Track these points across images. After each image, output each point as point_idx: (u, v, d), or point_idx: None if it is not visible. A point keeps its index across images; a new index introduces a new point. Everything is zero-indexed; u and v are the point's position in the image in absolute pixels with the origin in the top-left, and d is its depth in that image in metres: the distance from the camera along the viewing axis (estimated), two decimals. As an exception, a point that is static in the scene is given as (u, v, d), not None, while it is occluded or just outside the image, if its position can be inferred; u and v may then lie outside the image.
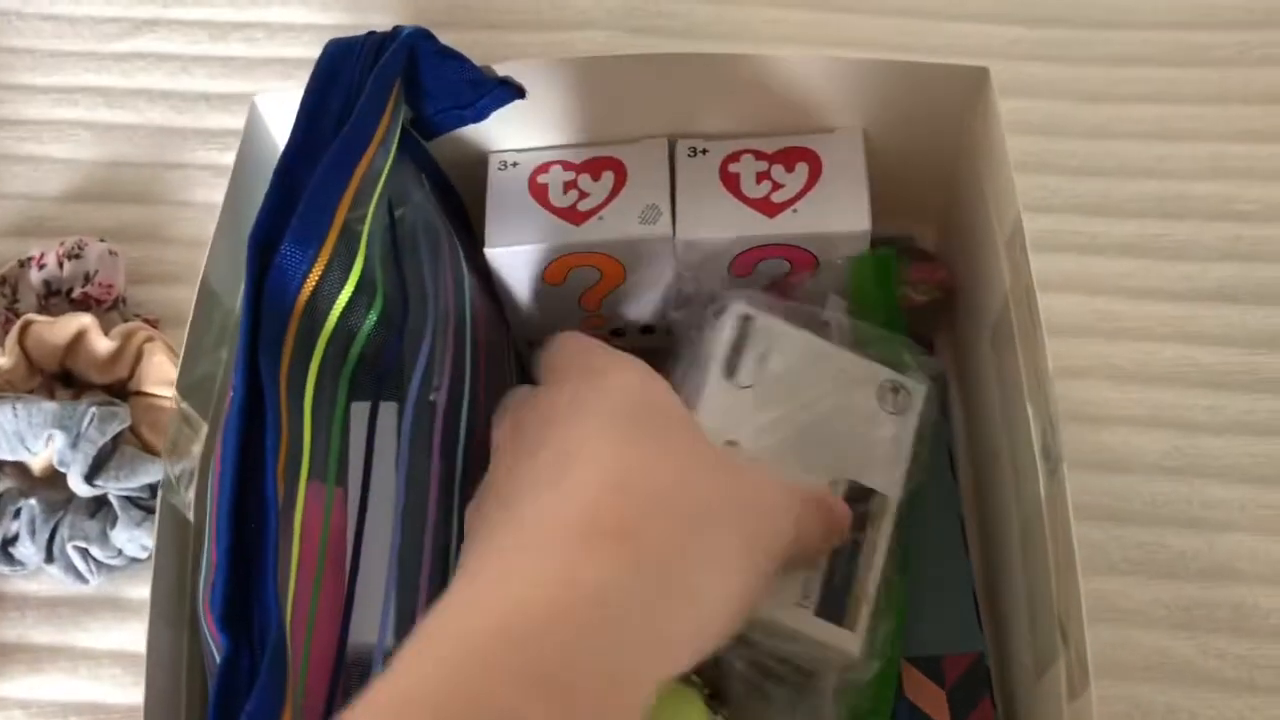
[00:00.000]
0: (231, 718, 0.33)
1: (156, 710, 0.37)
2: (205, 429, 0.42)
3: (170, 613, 0.39)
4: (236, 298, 0.44)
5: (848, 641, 0.39)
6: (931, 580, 0.45)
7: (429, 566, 0.39)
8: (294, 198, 0.39)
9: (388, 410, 0.41)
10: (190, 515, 0.41)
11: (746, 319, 0.43)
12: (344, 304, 0.39)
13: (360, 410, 0.40)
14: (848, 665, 0.39)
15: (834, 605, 0.39)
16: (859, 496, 0.41)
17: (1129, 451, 0.53)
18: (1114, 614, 0.50)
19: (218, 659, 0.35)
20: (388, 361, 0.41)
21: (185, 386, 0.41)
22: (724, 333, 0.43)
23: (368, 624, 0.37)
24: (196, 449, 0.42)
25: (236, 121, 0.62)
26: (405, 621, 0.38)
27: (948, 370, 0.52)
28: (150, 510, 0.51)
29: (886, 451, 0.42)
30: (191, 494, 0.41)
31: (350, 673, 0.36)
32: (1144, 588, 0.50)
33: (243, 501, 0.35)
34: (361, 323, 0.40)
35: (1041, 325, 0.38)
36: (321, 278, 0.38)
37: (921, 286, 0.51)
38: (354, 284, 0.39)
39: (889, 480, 0.41)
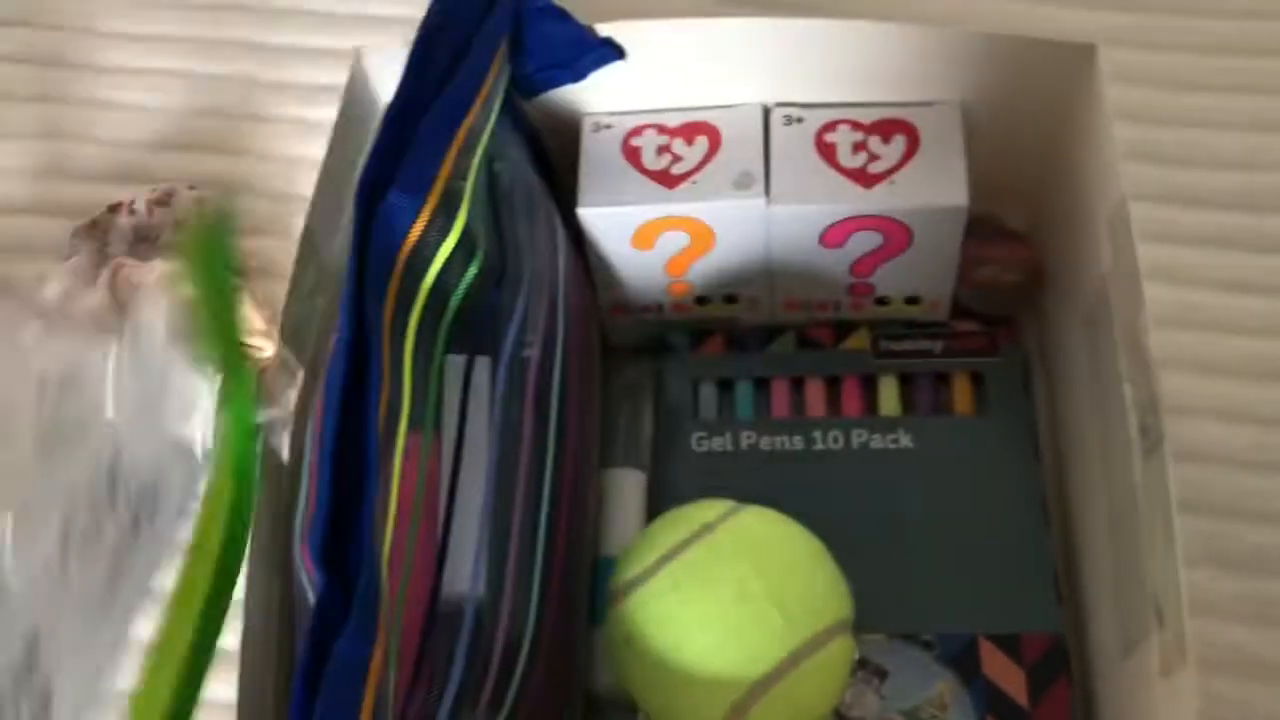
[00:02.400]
0: (324, 653, 0.34)
1: (251, 647, 0.37)
2: (302, 374, 0.42)
3: (266, 555, 0.39)
4: (334, 247, 0.45)
5: None
6: (1011, 560, 0.45)
7: (520, 521, 0.39)
8: (402, 146, 0.39)
9: (482, 365, 0.41)
10: (286, 459, 0.41)
11: None
12: (446, 255, 0.39)
13: (456, 363, 0.41)
14: None
15: None
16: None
17: (1210, 444, 0.53)
18: (1191, 609, 0.49)
19: (311, 598, 0.36)
20: (484, 316, 0.41)
21: (285, 331, 0.41)
22: None
23: (460, 574, 0.37)
24: (293, 394, 0.42)
25: (325, 77, 0.63)
26: (496, 574, 0.38)
27: (1031, 352, 0.51)
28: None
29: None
30: (287, 439, 0.41)
31: (442, 622, 0.37)
32: (1221, 582, 0.50)
33: (345, 441, 0.36)
34: (461, 276, 0.41)
35: (1145, 306, 0.38)
36: (426, 227, 0.39)
37: (1010, 266, 0.51)
38: (457, 236, 0.39)
39: None
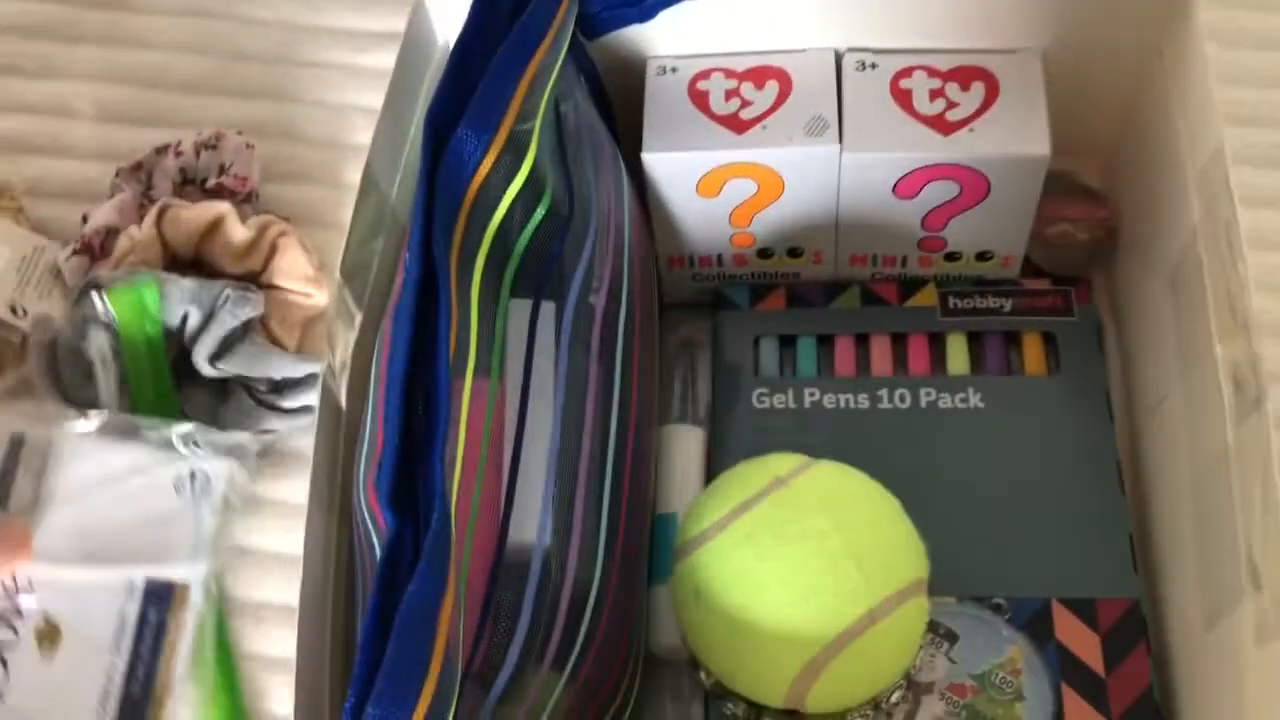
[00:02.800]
0: (395, 597, 0.33)
1: (310, 593, 0.36)
2: (360, 318, 0.41)
3: (323, 501, 0.38)
4: (394, 188, 0.43)
5: None
6: (1085, 523, 0.43)
7: (586, 471, 0.38)
8: (470, 83, 0.38)
9: (548, 309, 0.40)
10: (343, 401, 0.40)
11: (16, 443, 0.44)
12: (514, 195, 0.38)
13: (521, 307, 0.39)
14: None
15: (135, 710, 0.40)
16: (158, 589, 0.42)
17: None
18: None
19: (377, 542, 0.35)
20: (549, 260, 0.40)
21: (344, 272, 0.40)
22: None
23: (526, 523, 0.36)
24: (351, 337, 0.41)
25: (373, 23, 0.61)
26: (563, 524, 0.37)
27: (1104, 313, 0.50)
28: (262, 404, 0.51)
29: (185, 541, 0.44)
30: (345, 385, 0.40)
31: (509, 571, 0.36)
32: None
33: (413, 382, 0.35)
34: (528, 218, 0.39)
35: (1244, 257, 0.36)
36: (494, 165, 0.37)
37: (1084, 225, 0.49)
38: (525, 176, 0.38)
39: (189, 569, 0.43)
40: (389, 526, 0.33)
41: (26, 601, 0.42)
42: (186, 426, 0.49)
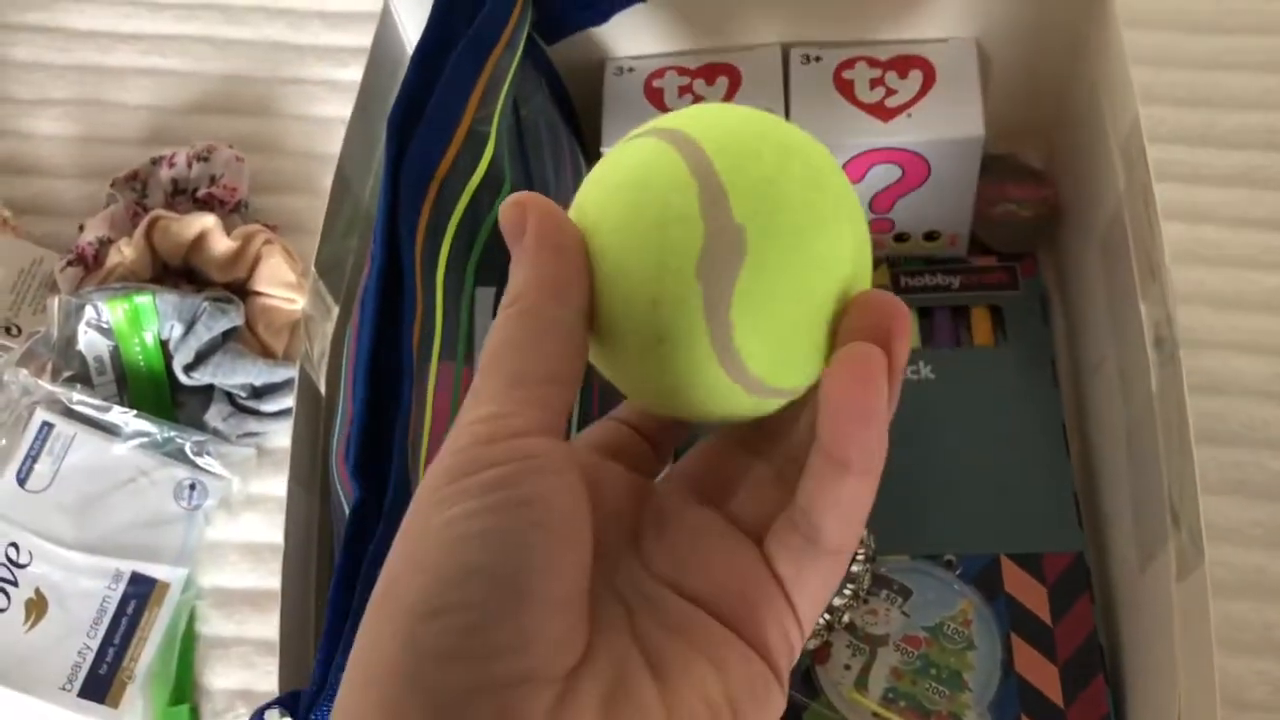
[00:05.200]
0: (358, 560, 0.35)
1: (291, 565, 0.38)
2: (336, 310, 0.44)
3: (304, 480, 0.41)
4: (366, 189, 0.46)
5: (108, 718, 0.44)
6: (1033, 483, 0.46)
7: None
8: (431, 83, 0.40)
9: (511, 296, 0.42)
10: (322, 388, 0.42)
11: (46, 426, 0.48)
12: (474, 189, 0.40)
13: (485, 295, 0.42)
14: None
15: (97, 687, 0.44)
16: (141, 583, 0.46)
17: (1228, 375, 0.53)
18: (1211, 533, 0.50)
19: (347, 509, 0.37)
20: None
21: (319, 268, 0.43)
22: (25, 438, 0.47)
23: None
24: (328, 328, 0.43)
25: (350, 39, 0.64)
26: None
27: (1049, 285, 0.52)
28: (240, 408, 0.54)
29: (174, 544, 0.48)
30: (324, 369, 0.43)
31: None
32: (1241, 508, 0.51)
33: (379, 360, 0.37)
34: (488, 210, 0.42)
35: (1158, 218, 0.39)
36: (454, 161, 0.40)
37: (1028, 204, 0.52)
38: (483, 170, 0.41)
39: (172, 570, 0.47)
40: (354, 494, 0.36)
41: (23, 574, 0.45)
42: (200, 436, 0.52)
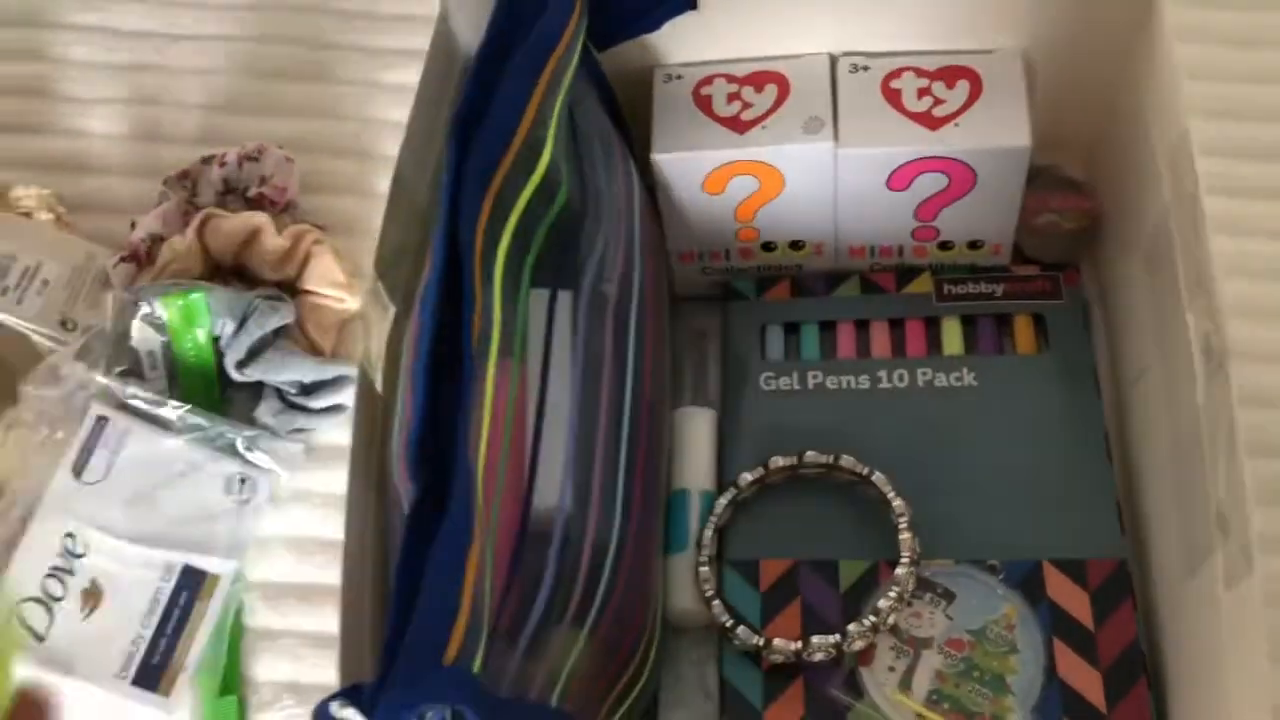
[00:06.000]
0: (421, 552, 0.36)
1: (352, 558, 0.39)
2: (393, 310, 0.45)
3: (363, 478, 0.41)
4: (424, 189, 0.47)
5: (160, 706, 0.43)
6: (1075, 489, 0.46)
7: (603, 444, 0.41)
8: (491, 88, 0.41)
9: (564, 298, 0.43)
10: (380, 387, 0.43)
11: (102, 420, 0.47)
12: (532, 191, 0.41)
13: (540, 296, 0.43)
14: None
15: (150, 676, 0.44)
16: (192, 576, 0.46)
17: (1276, 389, 0.53)
18: (1259, 542, 0.50)
19: (405, 507, 0.38)
20: (566, 253, 0.43)
21: (378, 268, 0.43)
22: (81, 431, 0.47)
23: (549, 492, 0.39)
24: (385, 329, 0.44)
25: (400, 41, 0.65)
26: (582, 491, 0.40)
27: (1090, 296, 0.53)
28: (290, 404, 0.54)
29: (225, 537, 0.48)
30: (381, 369, 0.44)
31: (533, 539, 0.39)
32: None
33: (439, 359, 0.38)
34: (545, 212, 0.42)
35: (1206, 230, 0.39)
36: (513, 164, 0.41)
37: (1070, 215, 0.52)
38: (541, 174, 0.41)
39: (223, 562, 0.47)
40: (414, 490, 0.36)
41: (80, 564, 0.46)
42: (251, 431, 0.53)
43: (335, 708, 0.34)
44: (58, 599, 0.46)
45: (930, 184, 0.48)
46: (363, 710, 0.33)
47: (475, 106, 0.41)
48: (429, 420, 0.37)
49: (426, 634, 0.32)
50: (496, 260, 0.40)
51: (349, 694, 0.33)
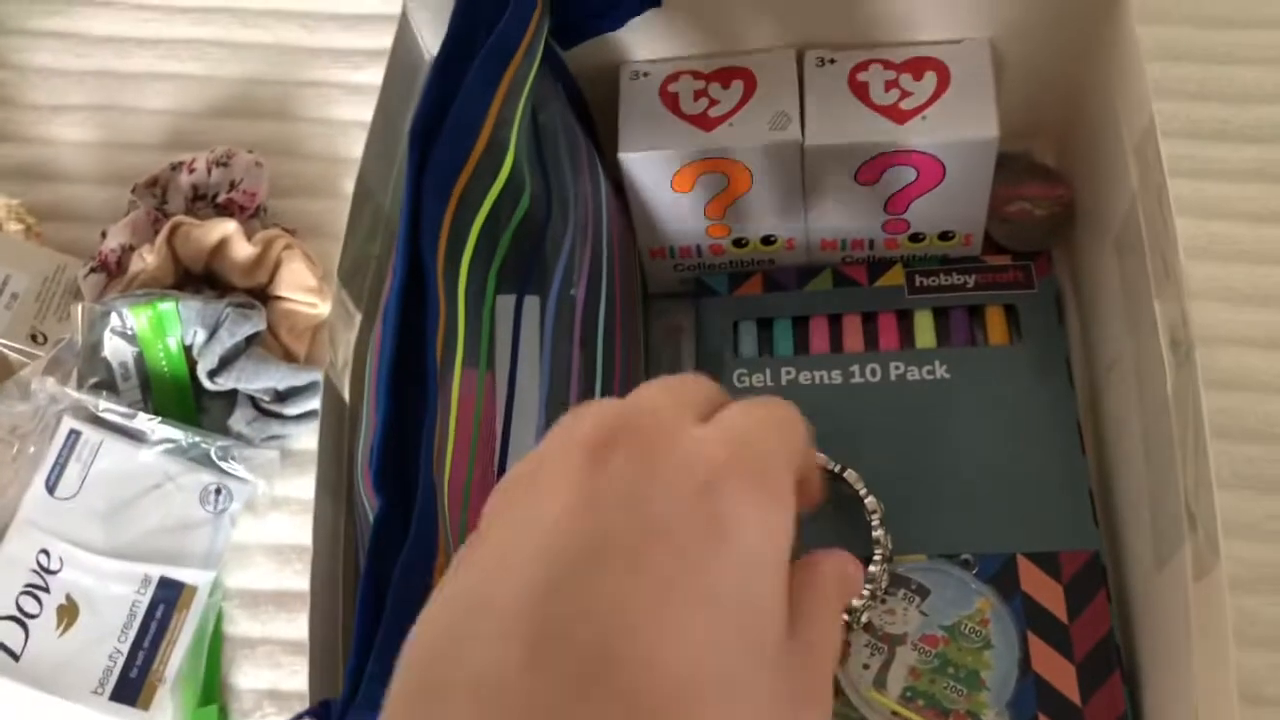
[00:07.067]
0: (386, 567, 0.36)
1: (321, 571, 0.39)
2: (359, 317, 0.44)
3: (331, 491, 0.41)
4: (388, 194, 0.47)
5: None
6: (1049, 481, 0.46)
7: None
8: (451, 92, 0.41)
9: (531, 304, 0.43)
10: (346, 396, 0.43)
11: (74, 434, 0.48)
12: (494, 197, 0.41)
13: (506, 303, 0.42)
14: None
15: (128, 690, 0.44)
16: (169, 587, 0.47)
17: (1242, 371, 0.54)
18: (1226, 529, 0.50)
19: (371, 519, 0.38)
20: (531, 257, 0.43)
21: (342, 275, 0.43)
22: (54, 446, 0.47)
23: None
24: (351, 336, 0.44)
25: (366, 41, 0.64)
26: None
27: (1063, 284, 0.52)
28: (264, 411, 0.54)
29: (202, 547, 0.49)
30: (348, 377, 0.43)
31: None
32: (1256, 503, 0.51)
33: (402, 371, 0.38)
34: (509, 218, 0.42)
35: (1174, 218, 0.39)
36: (475, 170, 0.40)
37: (1042, 202, 0.52)
38: (504, 179, 0.41)
39: (200, 573, 0.48)
40: (379, 505, 0.36)
41: (54, 580, 0.46)
42: (225, 441, 0.53)
43: (305, 725, 0.34)
44: (33, 616, 0.46)
45: (899, 177, 0.48)
46: (329, 728, 0.33)
47: (435, 111, 0.40)
48: (393, 434, 0.37)
49: (392, 653, 0.32)
50: (460, 270, 0.40)
51: (317, 712, 0.33)
